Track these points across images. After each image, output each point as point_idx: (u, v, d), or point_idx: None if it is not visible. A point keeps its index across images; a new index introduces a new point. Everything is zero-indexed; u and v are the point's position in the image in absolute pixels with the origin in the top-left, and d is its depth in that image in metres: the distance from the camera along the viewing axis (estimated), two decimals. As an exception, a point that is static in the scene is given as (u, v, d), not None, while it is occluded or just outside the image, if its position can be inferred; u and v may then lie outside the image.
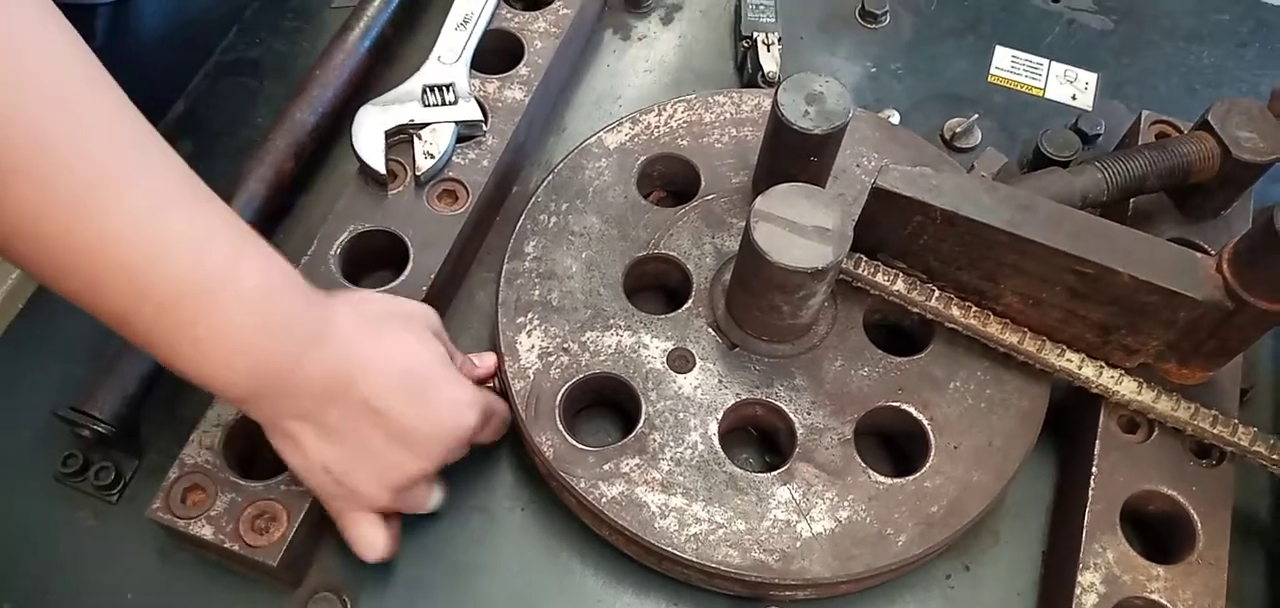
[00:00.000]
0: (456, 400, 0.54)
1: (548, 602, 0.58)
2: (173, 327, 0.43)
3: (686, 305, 0.63)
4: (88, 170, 0.40)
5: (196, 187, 0.45)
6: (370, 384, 0.49)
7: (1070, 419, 0.64)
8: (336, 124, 0.72)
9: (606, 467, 0.57)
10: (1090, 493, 0.59)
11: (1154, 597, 0.57)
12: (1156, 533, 0.61)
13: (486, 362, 0.61)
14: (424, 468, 0.54)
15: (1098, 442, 0.61)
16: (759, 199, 0.56)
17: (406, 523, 0.59)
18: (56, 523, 0.59)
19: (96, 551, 0.58)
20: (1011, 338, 0.61)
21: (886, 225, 0.61)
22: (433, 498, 0.57)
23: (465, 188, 0.66)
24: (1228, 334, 0.59)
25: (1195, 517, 0.59)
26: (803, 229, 0.56)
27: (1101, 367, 0.61)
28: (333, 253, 0.63)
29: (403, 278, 0.63)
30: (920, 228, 0.60)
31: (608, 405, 0.63)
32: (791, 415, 0.60)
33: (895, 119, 0.76)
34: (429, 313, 0.57)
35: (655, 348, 0.61)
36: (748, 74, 0.79)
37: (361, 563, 0.57)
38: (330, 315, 0.49)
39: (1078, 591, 0.56)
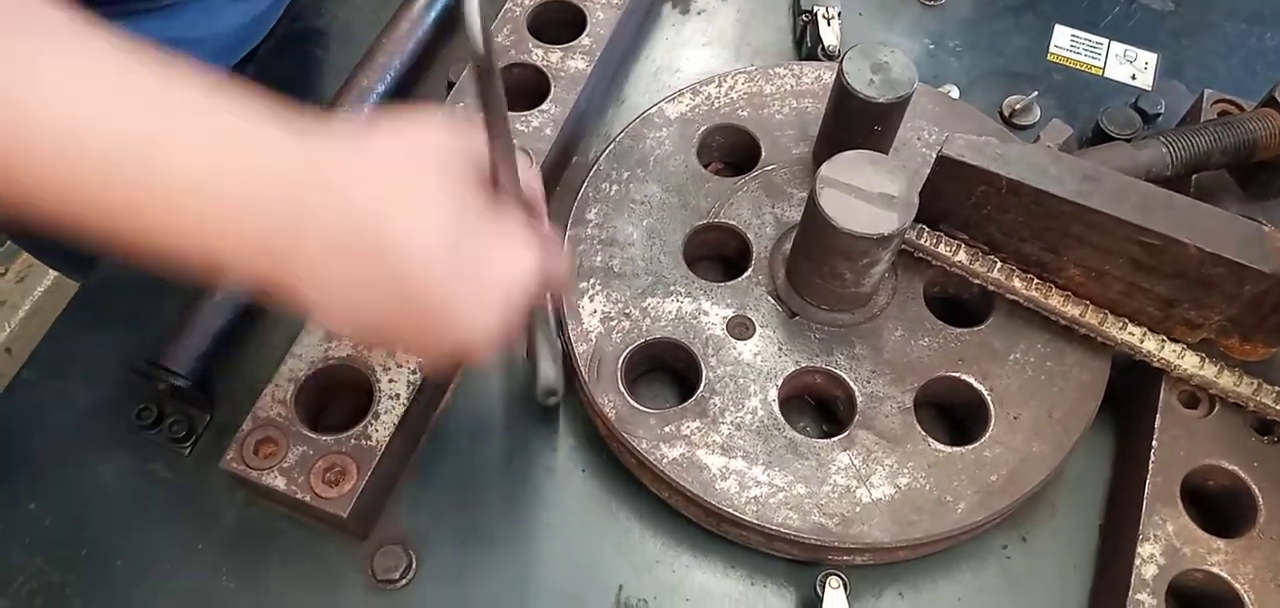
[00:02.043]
0: (510, 260, 0.45)
1: (607, 561, 0.59)
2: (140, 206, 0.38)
3: (746, 274, 0.64)
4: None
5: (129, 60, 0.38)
6: (400, 261, 0.40)
7: (1131, 394, 0.64)
8: (402, 93, 0.73)
9: (667, 429, 0.58)
10: (1151, 466, 0.59)
11: (1214, 570, 0.56)
12: (1217, 509, 0.61)
13: (532, 183, 0.50)
14: (472, 346, 0.44)
15: (1158, 415, 0.61)
16: (824, 165, 0.57)
17: (470, 482, 0.61)
18: (130, 473, 0.61)
19: (169, 500, 0.60)
20: (1073, 310, 0.61)
21: (950, 195, 0.61)
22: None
23: (529, 155, 0.67)
24: (1295, 310, 0.59)
25: (1257, 492, 0.59)
26: (868, 196, 0.56)
27: (1163, 340, 0.61)
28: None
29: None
30: (984, 198, 0.60)
31: (668, 371, 0.64)
32: (851, 383, 0.60)
33: (955, 94, 0.76)
34: (454, 140, 0.44)
35: (715, 315, 0.62)
36: (807, 47, 0.79)
37: (428, 514, 0.59)
38: (326, 164, 0.40)
39: (1137, 562, 0.56)
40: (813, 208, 0.56)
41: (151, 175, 0.38)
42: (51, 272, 1.63)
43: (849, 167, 0.57)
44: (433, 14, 0.75)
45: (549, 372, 0.57)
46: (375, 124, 0.43)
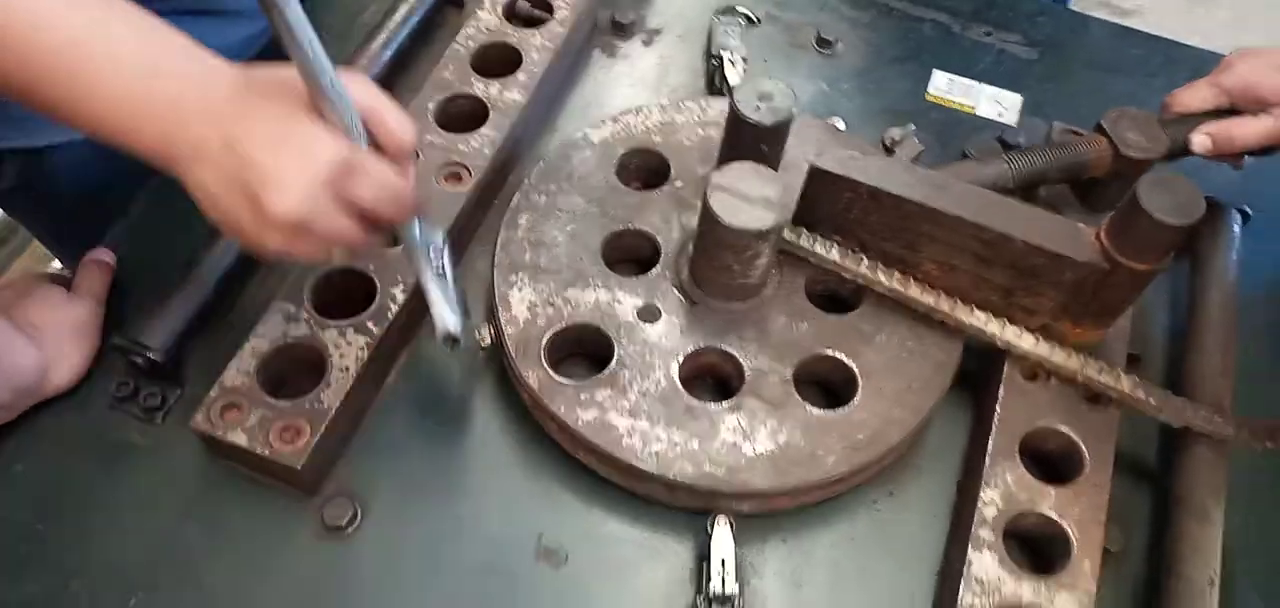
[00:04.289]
0: (313, 141, 0.55)
1: (530, 513, 0.69)
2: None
3: (655, 270, 0.75)
4: None
5: None
6: (235, 114, 0.54)
7: (983, 371, 0.75)
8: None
9: (583, 397, 0.68)
10: (994, 426, 0.70)
11: (1045, 512, 0.67)
12: (1053, 465, 0.71)
13: (368, 100, 0.59)
14: (284, 215, 0.54)
15: (1002, 385, 0.71)
16: (715, 174, 0.68)
17: (411, 445, 0.70)
18: (109, 439, 0.69)
19: (142, 462, 0.69)
20: (929, 299, 0.72)
21: (824, 202, 0.72)
22: (329, 254, 0.59)
23: (468, 170, 0.78)
24: (1109, 294, 0.70)
25: (1084, 448, 0.69)
26: (750, 199, 0.67)
27: (1005, 324, 0.72)
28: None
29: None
30: (850, 204, 0.71)
31: (586, 355, 0.74)
32: (740, 359, 0.71)
33: (841, 126, 0.88)
34: (291, 84, 0.56)
35: (627, 303, 0.73)
36: (716, 87, 0.92)
37: (372, 472, 0.68)
38: (211, 72, 0.55)
39: (980, 505, 0.67)
40: (706, 208, 0.67)
41: (94, 68, 0.52)
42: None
43: (737, 176, 0.68)
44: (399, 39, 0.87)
45: (443, 316, 0.63)
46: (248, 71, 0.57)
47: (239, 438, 0.64)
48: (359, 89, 0.58)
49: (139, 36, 0.54)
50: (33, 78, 0.52)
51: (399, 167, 0.60)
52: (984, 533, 0.66)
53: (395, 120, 0.59)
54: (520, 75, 0.85)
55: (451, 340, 0.64)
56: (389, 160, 0.59)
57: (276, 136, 0.54)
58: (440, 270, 0.65)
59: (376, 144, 0.59)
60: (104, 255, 0.75)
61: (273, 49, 0.54)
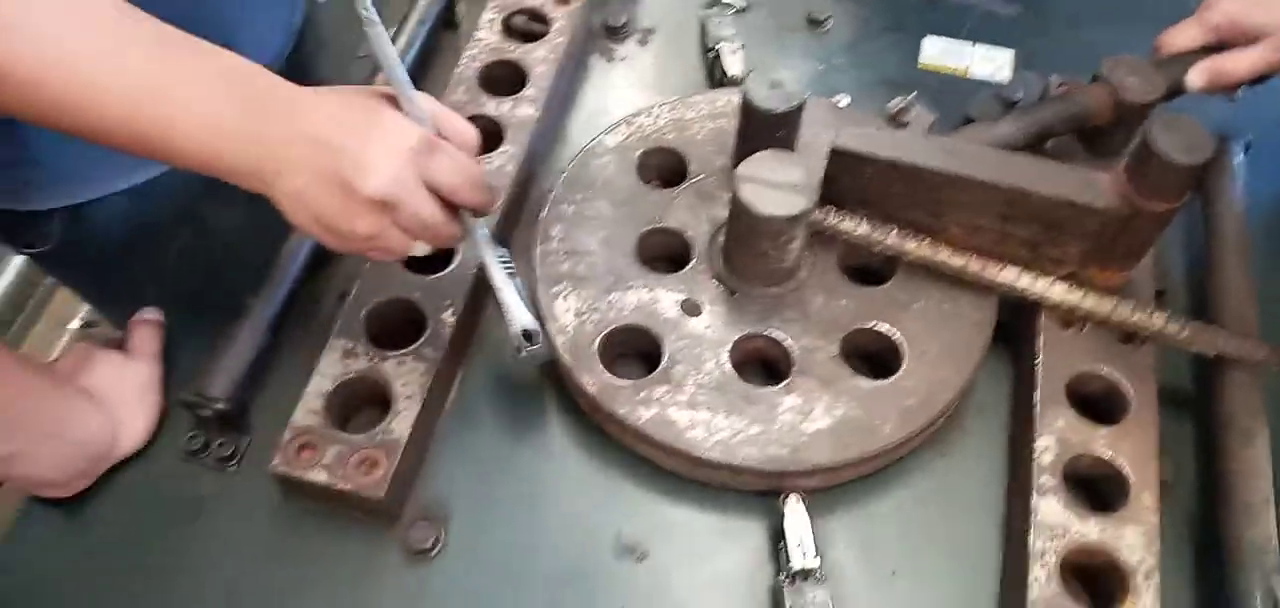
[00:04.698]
0: (397, 125, 0.59)
1: (605, 513, 0.70)
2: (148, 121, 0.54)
3: (691, 265, 0.75)
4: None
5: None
6: (317, 116, 0.57)
7: (1019, 325, 0.77)
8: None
9: (640, 396, 0.69)
10: (1039, 376, 0.72)
11: (1099, 452, 0.69)
12: (1098, 406, 0.73)
13: (435, 110, 0.63)
14: (376, 194, 0.57)
15: (1039, 336, 0.73)
16: (741, 165, 0.69)
17: (479, 454, 0.71)
18: (185, 492, 0.70)
19: (220, 514, 0.69)
20: (958, 262, 0.74)
21: (846, 180, 0.74)
22: (413, 244, 0.61)
23: (494, 189, 0.78)
24: (1132, 237, 0.72)
25: (1127, 387, 0.72)
26: (778, 185, 0.68)
27: (1036, 277, 0.74)
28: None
29: (450, 269, 0.74)
30: (872, 178, 0.73)
31: (635, 353, 0.74)
32: (787, 342, 0.72)
33: (845, 102, 0.90)
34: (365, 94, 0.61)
35: (669, 300, 0.73)
36: (717, 78, 0.93)
37: (448, 492, 0.69)
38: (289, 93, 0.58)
39: (1036, 453, 0.68)
40: (736, 200, 0.68)
41: (160, 98, 0.54)
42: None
43: (761, 164, 0.69)
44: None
45: (519, 314, 0.64)
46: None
47: (319, 476, 0.64)
48: (423, 99, 0.63)
49: (217, 68, 0.56)
50: (111, 127, 0.54)
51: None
52: (1045, 479, 0.67)
53: (459, 121, 0.64)
54: (529, 90, 0.85)
55: (527, 338, 0.65)
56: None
57: (363, 125, 0.57)
58: (511, 271, 0.66)
59: None
60: (152, 314, 0.75)
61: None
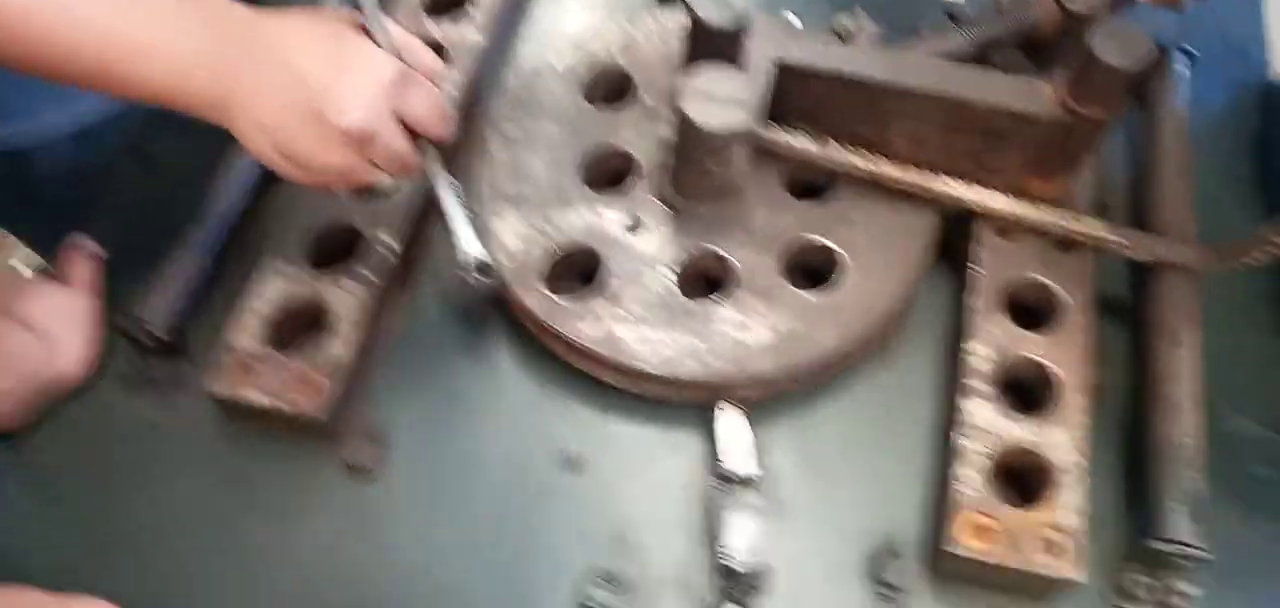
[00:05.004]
0: (371, 56, 0.58)
1: (549, 429, 0.71)
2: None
3: (636, 184, 0.76)
4: None
5: None
6: (285, 45, 0.56)
7: (960, 236, 0.78)
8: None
9: (583, 312, 0.70)
10: (975, 281, 0.73)
11: (1032, 356, 0.70)
12: (1036, 316, 0.74)
13: (403, 38, 0.62)
14: (351, 128, 0.56)
15: (978, 244, 0.75)
16: (684, 78, 0.69)
17: (422, 375, 0.72)
18: (127, 424, 0.70)
19: (162, 440, 0.70)
20: (901, 174, 0.75)
21: (792, 96, 0.74)
22: (380, 176, 0.61)
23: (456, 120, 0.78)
24: (1072, 145, 0.73)
25: (1062, 293, 0.73)
26: (722, 99, 0.68)
27: (976, 188, 0.75)
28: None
29: (391, 192, 0.74)
30: (817, 92, 0.73)
31: (579, 273, 0.75)
32: (728, 256, 0.73)
33: (795, 21, 0.89)
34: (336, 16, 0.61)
35: (613, 219, 0.74)
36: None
37: (389, 411, 0.70)
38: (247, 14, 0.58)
39: (970, 358, 0.70)
40: (679, 114, 0.69)
41: (130, 33, 0.54)
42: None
43: (705, 78, 0.69)
44: None
45: (470, 243, 0.65)
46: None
47: (261, 398, 0.65)
48: (392, 28, 0.62)
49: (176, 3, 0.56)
50: (79, 54, 0.54)
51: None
52: (975, 383, 0.69)
53: (425, 51, 0.63)
54: (475, 13, 0.85)
55: (481, 270, 0.65)
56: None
57: (335, 55, 0.57)
58: (463, 202, 0.66)
59: None
60: (85, 243, 0.74)
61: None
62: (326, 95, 0.56)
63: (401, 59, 0.60)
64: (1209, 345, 0.72)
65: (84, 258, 0.74)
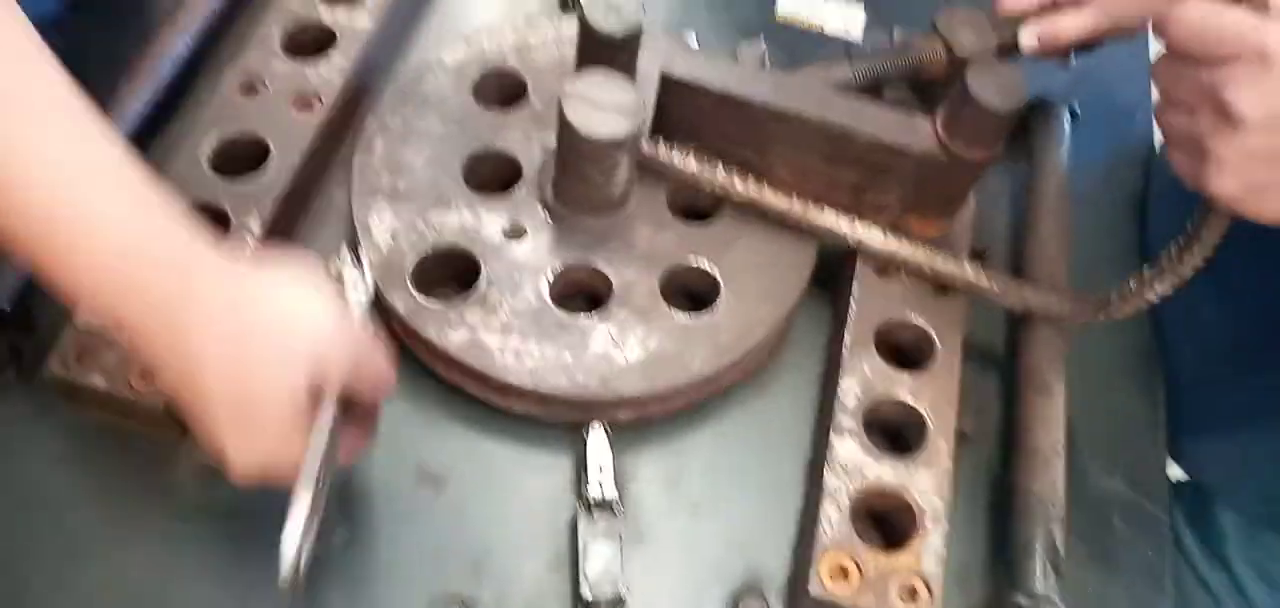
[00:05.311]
0: (279, 371, 0.48)
1: (407, 440, 0.68)
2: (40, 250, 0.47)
3: (519, 189, 0.74)
4: None
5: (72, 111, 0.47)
6: (199, 336, 0.47)
7: (839, 274, 0.78)
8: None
9: (452, 318, 0.68)
10: (850, 318, 0.73)
11: (901, 397, 0.71)
12: (908, 357, 0.75)
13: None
14: (242, 476, 0.50)
15: (855, 281, 0.75)
16: (568, 81, 0.68)
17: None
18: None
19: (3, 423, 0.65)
20: (782, 204, 0.75)
21: (677, 111, 0.73)
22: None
23: (319, 99, 0.76)
24: (948, 184, 0.74)
25: (934, 335, 0.73)
26: (605, 106, 0.67)
27: (855, 222, 0.75)
28: (202, 153, 0.71)
29: (263, 173, 0.71)
30: (702, 111, 0.73)
31: (453, 280, 0.73)
32: (608, 272, 0.71)
33: (693, 41, 0.89)
34: (326, 333, 0.50)
35: (492, 223, 0.72)
36: (567, 5, 0.91)
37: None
38: (191, 296, 0.48)
39: (839, 393, 0.70)
40: (561, 118, 0.67)
41: (72, 235, 0.46)
42: None
43: (590, 84, 0.68)
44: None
45: (290, 539, 0.48)
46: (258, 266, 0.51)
47: (97, 381, 0.61)
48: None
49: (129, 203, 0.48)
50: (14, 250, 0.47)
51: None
52: (844, 420, 0.69)
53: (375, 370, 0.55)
54: (369, 1, 0.82)
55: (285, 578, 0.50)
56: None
57: (237, 381, 0.48)
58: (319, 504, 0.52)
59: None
60: None
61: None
62: (222, 435, 0.48)
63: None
64: (1078, 401, 0.74)
65: None
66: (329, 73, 0.77)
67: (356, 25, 0.81)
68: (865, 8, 1.00)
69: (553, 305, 0.69)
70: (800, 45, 0.96)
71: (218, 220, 0.69)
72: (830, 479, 0.66)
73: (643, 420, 0.71)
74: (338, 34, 0.80)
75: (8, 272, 0.65)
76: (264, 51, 0.78)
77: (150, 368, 0.51)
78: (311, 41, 0.80)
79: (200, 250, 0.49)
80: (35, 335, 0.67)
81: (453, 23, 0.92)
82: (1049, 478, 0.70)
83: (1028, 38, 0.84)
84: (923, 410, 0.70)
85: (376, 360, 0.54)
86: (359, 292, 0.61)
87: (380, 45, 0.83)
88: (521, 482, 0.68)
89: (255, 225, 0.69)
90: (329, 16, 0.81)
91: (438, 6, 0.93)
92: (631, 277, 0.72)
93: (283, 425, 0.48)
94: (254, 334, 0.48)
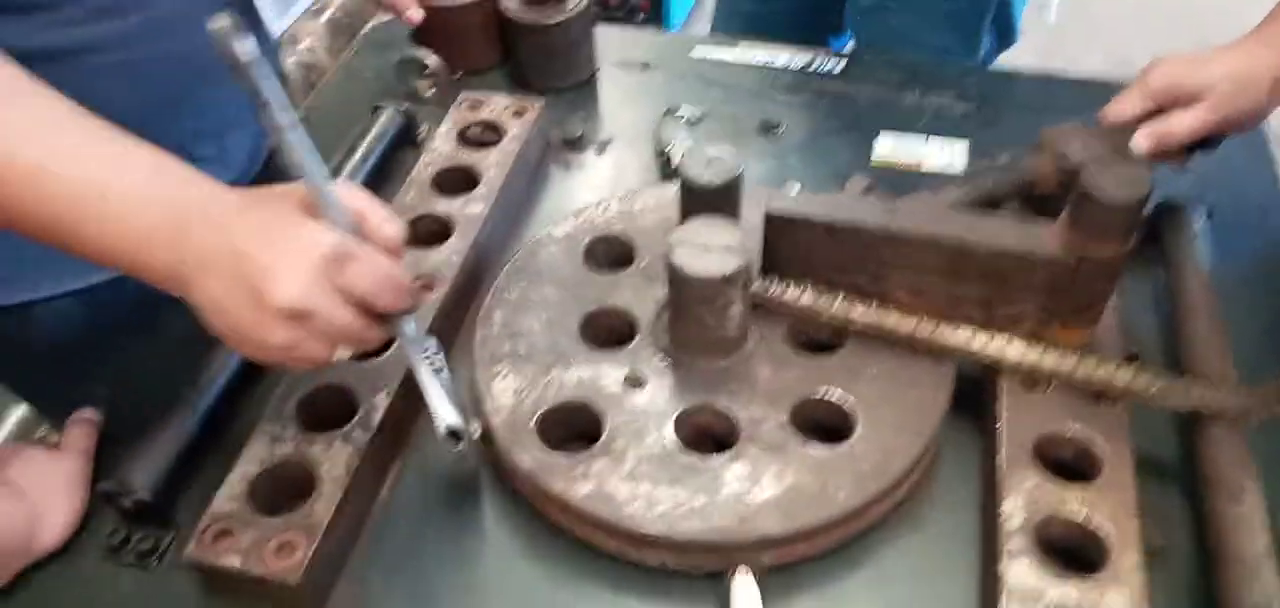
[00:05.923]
0: (308, 234, 0.56)
1: (547, 604, 0.65)
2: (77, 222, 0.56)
3: (636, 341, 0.74)
4: None
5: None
6: (230, 224, 0.56)
7: (982, 388, 0.74)
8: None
9: (579, 470, 0.66)
10: (1002, 435, 0.68)
11: (1072, 513, 0.64)
12: (1072, 471, 0.68)
13: (356, 203, 0.61)
14: (285, 305, 0.55)
15: (1002, 397, 0.70)
16: (675, 231, 0.69)
17: (414, 552, 0.67)
18: (103, 594, 0.66)
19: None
20: (906, 326, 0.72)
21: (785, 247, 0.73)
22: (332, 351, 0.59)
23: (416, 291, 0.78)
24: (1084, 288, 0.70)
25: (1100, 446, 0.67)
26: (712, 248, 0.67)
27: (990, 336, 0.71)
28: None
29: (387, 355, 0.73)
30: (809, 243, 0.72)
31: (576, 434, 0.71)
32: (732, 411, 0.69)
33: (796, 190, 0.90)
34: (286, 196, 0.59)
35: (612, 376, 0.71)
36: (668, 177, 0.93)
37: (379, 585, 0.65)
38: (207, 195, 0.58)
39: (1003, 516, 0.64)
40: (671, 265, 0.67)
41: (107, 205, 0.56)
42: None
43: (695, 229, 0.69)
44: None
45: (443, 410, 0.63)
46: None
47: (232, 561, 0.61)
48: (347, 193, 0.61)
49: (149, 169, 0.57)
50: (48, 217, 0.56)
51: (392, 260, 0.61)
52: (1013, 543, 0.62)
53: (382, 218, 0.61)
54: (480, 189, 0.86)
55: (453, 436, 0.63)
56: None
57: (274, 231, 0.56)
58: (438, 368, 0.64)
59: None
60: (88, 413, 0.73)
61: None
62: (263, 274, 0.55)
63: (361, 228, 0.60)
64: (1272, 499, 0.66)
65: (82, 423, 0.72)
66: (449, 255, 0.80)
67: (469, 212, 0.84)
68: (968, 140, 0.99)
69: (680, 448, 0.67)
70: (900, 187, 0.95)
71: (344, 399, 0.70)
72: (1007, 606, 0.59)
73: (789, 566, 0.66)
74: (452, 223, 0.83)
75: (149, 463, 0.66)
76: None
77: (191, 275, 0.56)
78: (431, 233, 0.83)
79: (208, 190, 0.58)
80: (176, 529, 0.68)
81: (560, 203, 0.95)
82: (1262, 585, 0.61)
83: (1141, 141, 0.82)
84: (1100, 524, 0.63)
85: (377, 259, 0.59)
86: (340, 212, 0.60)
87: (494, 230, 0.86)
88: (664, 640, 0.63)
89: (382, 401, 0.70)
90: (443, 208, 0.85)
91: (547, 190, 0.97)
92: (758, 414, 0.69)
93: (314, 268, 0.55)
94: (289, 215, 0.57)
